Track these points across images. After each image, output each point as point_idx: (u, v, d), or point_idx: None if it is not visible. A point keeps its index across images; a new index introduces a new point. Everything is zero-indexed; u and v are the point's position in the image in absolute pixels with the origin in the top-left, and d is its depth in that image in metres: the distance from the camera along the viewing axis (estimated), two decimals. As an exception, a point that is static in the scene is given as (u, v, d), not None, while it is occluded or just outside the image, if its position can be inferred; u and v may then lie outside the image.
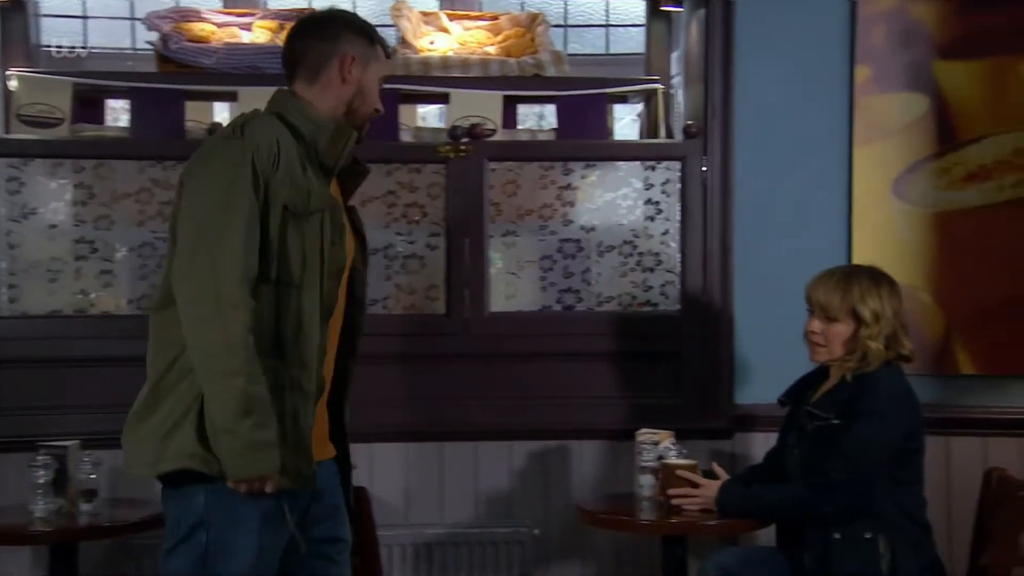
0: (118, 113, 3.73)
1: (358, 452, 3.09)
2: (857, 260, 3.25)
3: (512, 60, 3.62)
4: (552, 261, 3.44)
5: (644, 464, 2.91)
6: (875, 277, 2.72)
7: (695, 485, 2.77)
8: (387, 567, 3.19)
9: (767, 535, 3.12)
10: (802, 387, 2.86)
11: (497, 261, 3.42)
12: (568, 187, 3.46)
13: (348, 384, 2.26)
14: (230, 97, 3.53)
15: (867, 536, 2.59)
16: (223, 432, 1.95)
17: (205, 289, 1.96)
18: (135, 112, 3.46)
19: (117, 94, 3.58)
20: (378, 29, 2.29)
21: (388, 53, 2.30)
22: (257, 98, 3.34)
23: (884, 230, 3.36)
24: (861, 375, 2.67)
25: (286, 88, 2.23)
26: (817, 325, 2.73)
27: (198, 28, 3.59)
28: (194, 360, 1.98)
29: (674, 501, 2.76)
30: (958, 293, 3.35)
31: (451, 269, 3.38)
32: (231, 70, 3.50)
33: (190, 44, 3.52)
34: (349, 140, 2.17)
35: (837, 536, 2.60)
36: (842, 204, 3.39)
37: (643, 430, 2.96)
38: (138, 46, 3.85)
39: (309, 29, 2.24)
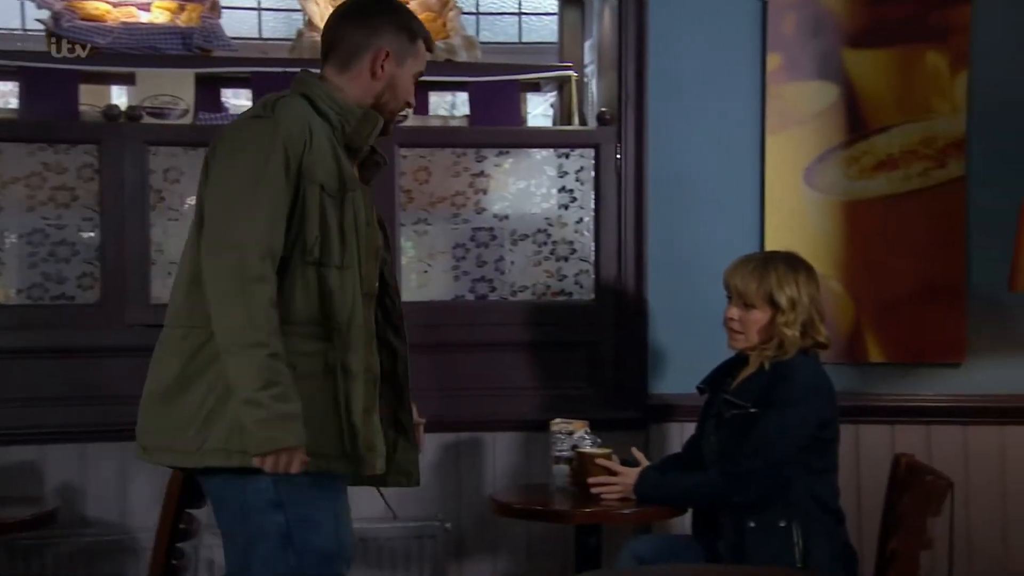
0: (7, 97, 3.59)
1: None
2: (769, 248, 3.27)
3: (423, 45, 3.56)
4: (465, 250, 3.41)
5: (558, 454, 2.91)
6: (792, 263, 2.74)
7: (613, 473, 2.76)
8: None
9: (682, 524, 3.16)
10: (720, 374, 2.87)
11: (409, 250, 3.39)
12: (481, 175, 3.44)
13: (399, 368, 2.28)
14: (127, 79, 3.42)
15: (781, 524, 2.61)
16: (245, 403, 1.96)
17: (228, 264, 1.97)
18: (25, 93, 3.32)
19: (6, 75, 3.44)
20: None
21: (431, 48, 2.29)
22: (155, 80, 3.32)
23: (796, 219, 3.40)
24: (778, 363, 2.69)
25: (313, 71, 2.21)
26: (735, 312, 2.74)
27: (92, 7, 3.47)
28: (217, 334, 1.99)
29: (593, 490, 2.75)
30: (868, 282, 3.40)
31: None
32: (128, 50, 3.39)
33: (83, 23, 3.40)
34: (376, 126, 2.18)
35: (752, 525, 2.62)
36: (755, 192, 3.42)
37: (557, 420, 2.95)
38: (28, 26, 3.71)
39: (349, 16, 2.23)
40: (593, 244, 3.44)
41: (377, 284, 2.22)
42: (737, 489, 2.62)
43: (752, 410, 2.66)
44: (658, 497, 2.73)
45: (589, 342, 3.43)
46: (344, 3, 2.29)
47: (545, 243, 3.45)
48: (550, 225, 3.44)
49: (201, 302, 2.03)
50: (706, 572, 2.07)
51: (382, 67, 2.19)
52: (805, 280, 2.72)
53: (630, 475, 2.75)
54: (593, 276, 3.44)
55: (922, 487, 2.61)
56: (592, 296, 3.44)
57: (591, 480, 2.76)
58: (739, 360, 2.85)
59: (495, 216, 3.43)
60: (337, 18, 2.26)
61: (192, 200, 3.30)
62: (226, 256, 1.98)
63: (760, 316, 2.71)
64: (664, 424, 3.40)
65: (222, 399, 2.03)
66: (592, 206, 3.44)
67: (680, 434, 3.34)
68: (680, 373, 3.37)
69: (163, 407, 2.10)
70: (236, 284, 1.96)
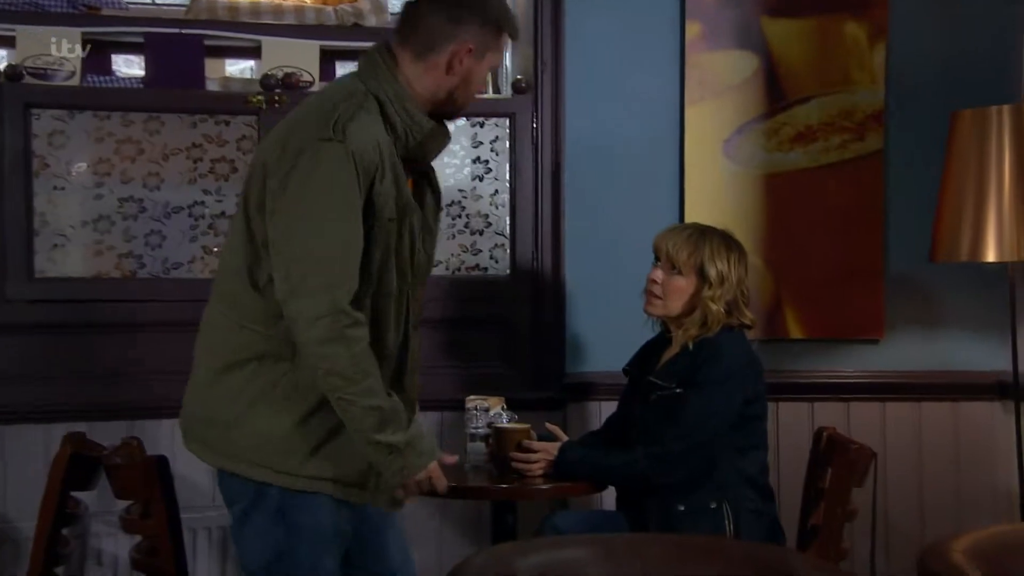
0: None
1: (162, 427, 2.89)
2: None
3: (329, 8, 3.45)
4: None
5: (473, 431, 2.84)
6: (727, 241, 2.71)
7: (531, 451, 2.69)
8: (190, 550, 2.99)
9: (601, 501, 3.12)
10: (645, 355, 2.82)
11: None
12: None
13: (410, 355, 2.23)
14: (7, 39, 3.22)
15: (712, 506, 2.58)
16: (369, 445, 2.02)
17: (320, 309, 1.95)
18: None
19: None
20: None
21: (515, 35, 2.22)
22: (37, 40, 3.11)
23: (715, 192, 3.37)
24: (703, 341, 2.65)
25: (386, 48, 2.12)
26: (659, 275, 2.70)
27: (-35, -40, 3.25)
28: (321, 380, 2.00)
29: (515, 466, 2.68)
30: (787, 257, 3.39)
31: None
32: (7, 7, 3.19)
33: (-46, -23, 3.19)
34: (443, 144, 2.16)
35: (681, 508, 2.57)
36: (674, 165, 3.38)
37: (472, 396, 2.89)
38: None
39: (438, 1, 2.13)
40: (508, 217, 3.37)
41: (421, 311, 2.21)
42: (663, 471, 2.57)
43: (678, 391, 2.61)
44: (580, 474, 2.66)
45: (504, 319, 3.36)
46: None
47: (459, 216, 3.37)
48: (464, 197, 3.36)
49: (253, 299, 2.05)
50: (641, 541, 2.00)
51: (460, 62, 2.12)
52: (737, 260, 2.69)
53: (550, 450, 2.68)
54: (509, 251, 3.37)
55: (846, 457, 2.61)
56: (507, 271, 3.38)
57: (513, 455, 2.69)
58: (663, 340, 2.80)
59: None
60: (411, 3, 2.16)
61: (82, 167, 3.14)
62: (318, 300, 1.96)
63: (684, 284, 2.66)
64: (582, 403, 3.35)
65: (254, 402, 2.05)
66: (507, 178, 3.37)
67: (599, 413, 3.30)
68: (599, 351, 3.34)
69: (203, 395, 2.13)
70: (334, 331, 1.96)
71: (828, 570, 1.87)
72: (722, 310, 2.65)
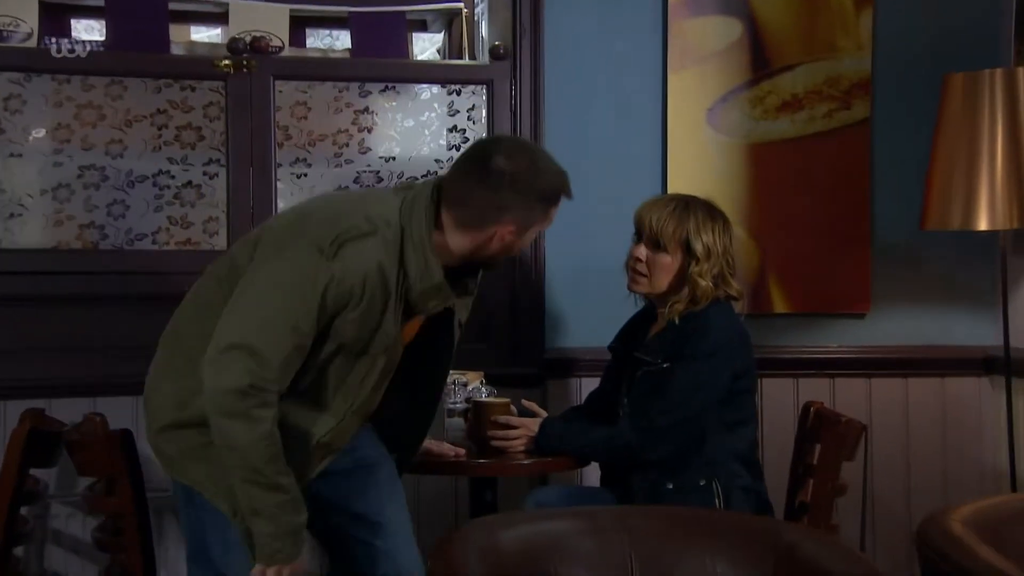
0: None
1: (125, 404, 2.81)
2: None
3: (300, -28, 3.38)
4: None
5: (452, 406, 2.79)
6: (711, 212, 2.64)
7: (511, 426, 2.63)
8: (156, 530, 2.88)
9: (581, 477, 3.06)
10: (630, 331, 2.76)
11: (286, 192, 3.19)
12: (366, 111, 3.27)
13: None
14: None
15: (701, 483, 2.52)
16: (252, 513, 2.03)
17: (233, 384, 1.96)
18: None
19: None
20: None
21: (568, 194, 2.21)
22: None
23: (699, 162, 3.32)
24: (690, 315, 2.59)
25: (437, 191, 2.13)
26: (643, 252, 2.63)
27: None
28: (220, 447, 2.01)
29: (495, 443, 2.62)
30: (772, 229, 3.35)
31: (233, 200, 3.14)
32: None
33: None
34: (446, 302, 2.14)
35: (670, 486, 2.52)
36: (656, 134, 3.33)
37: (450, 371, 2.80)
38: None
39: (477, 176, 2.11)
40: None
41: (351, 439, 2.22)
42: (650, 445, 2.52)
43: (665, 366, 2.56)
44: (562, 449, 2.61)
45: (481, 293, 3.21)
46: (475, 150, 2.17)
47: None
48: (440, 167, 3.29)
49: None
50: (628, 514, 1.95)
51: (502, 238, 2.14)
52: (722, 230, 2.63)
53: (530, 425, 2.63)
54: None
55: (836, 431, 2.57)
56: None
57: (491, 432, 2.63)
58: (648, 315, 2.74)
59: (381, 158, 3.27)
60: (463, 171, 2.14)
61: (40, 132, 3.05)
62: (233, 373, 1.97)
63: (670, 261, 2.60)
64: (563, 379, 3.30)
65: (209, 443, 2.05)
66: None
67: (579, 389, 3.26)
68: (579, 326, 3.29)
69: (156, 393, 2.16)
70: (240, 408, 1.97)
71: (822, 536, 1.82)
72: (710, 284, 2.59)
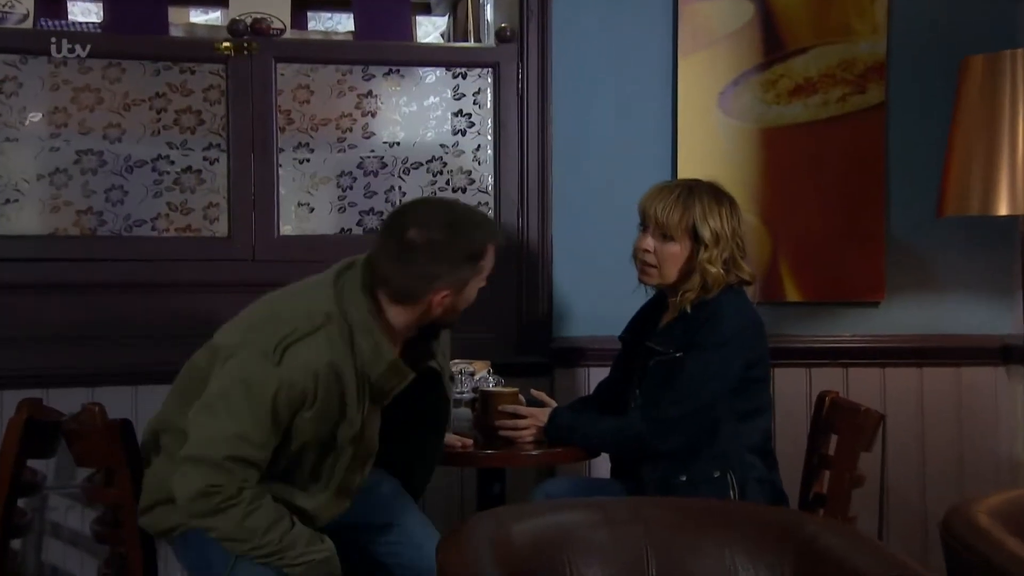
0: None
1: (124, 394, 2.77)
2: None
3: (302, -48, 3.33)
4: (352, 179, 3.21)
5: (459, 396, 2.74)
6: (717, 194, 2.58)
7: (519, 416, 2.58)
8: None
9: (588, 469, 3.01)
10: (641, 320, 2.71)
11: (288, 178, 3.15)
12: (369, 95, 3.22)
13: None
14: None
15: (715, 475, 2.48)
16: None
17: (197, 491, 2.05)
18: None
19: None
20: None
21: (501, 242, 2.22)
22: None
23: (709, 147, 3.27)
24: (702, 303, 2.54)
25: (369, 270, 2.14)
26: (650, 243, 2.57)
27: None
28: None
29: (503, 433, 2.57)
30: (785, 216, 3.31)
31: (234, 186, 3.10)
32: (-43, -56, 3.04)
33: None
34: (404, 380, 2.15)
35: (683, 479, 2.47)
36: (666, 119, 3.28)
37: (456, 360, 2.76)
38: None
39: (395, 252, 2.12)
40: (492, 174, 3.26)
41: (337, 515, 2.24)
42: (661, 436, 2.47)
43: (677, 355, 2.51)
44: (572, 439, 2.56)
45: (488, 281, 3.23)
46: (389, 224, 2.17)
47: (440, 172, 3.25)
48: (445, 153, 3.25)
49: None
50: (642, 504, 1.91)
51: (440, 303, 2.15)
52: (729, 212, 2.57)
53: (539, 415, 2.58)
54: (492, 209, 3.26)
55: (853, 421, 2.53)
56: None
57: (499, 422, 2.58)
58: (659, 304, 2.69)
59: (385, 142, 3.22)
60: (384, 249, 2.14)
61: (36, 116, 3.01)
62: (194, 478, 2.05)
63: (678, 250, 2.55)
64: (570, 369, 3.26)
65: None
66: (491, 132, 3.26)
67: (587, 379, 3.21)
68: (587, 314, 3.25)
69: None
70: (208, 508, 2.05)
71: (843, 528, 1.78)
72: (720, 271, 2.53)
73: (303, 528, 2.12)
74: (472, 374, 2.77)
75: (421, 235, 2.10)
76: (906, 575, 1.46)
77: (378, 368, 2.11)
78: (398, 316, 2.15)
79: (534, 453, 2.56)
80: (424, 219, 2.14)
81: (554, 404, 2.68)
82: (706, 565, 1.83)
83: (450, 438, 2.51)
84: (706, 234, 2.52)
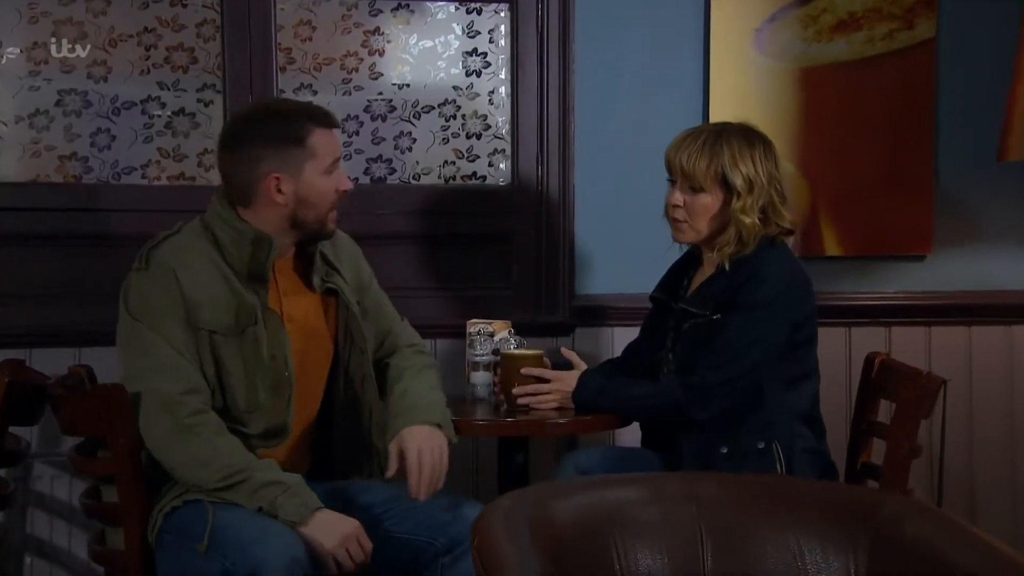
0: None
1: (112, 352, 2.73)
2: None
3: None
4: (358, 123, 3.08)
5: (477, 359, 2.61)
6: (748, 136, 2.42)
7: (543, 380, 2.42)
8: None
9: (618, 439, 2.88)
10: (673, 278, 2.56)
11: None
12: (376, 32, 3.08)
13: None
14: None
15: (760, 446, 2.33)
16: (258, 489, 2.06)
17: (155, 405, 2.10)
18: None
19: None
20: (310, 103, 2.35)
21: (332, 123, 2.23)
22: None
23: (744, 90, 3.13)
24: (741, 260, 2.38)
25: (224, 198, 2.22)
26: (679, 197, 2.42)
27: None
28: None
29: (521, 400, 2.42)
30: (825, 163, 3.18)
31: None
32: None
33: None
34: (270, 251, 2.17)
35: (724, 451, 2.33)
36: (697, 59, 3.14)
37: (475, 320, 2.66)
38: None
39: (223, 147, 2.23)
40: (509, 119, 3.13)
41: (289, 419, 2.20)
42: (700, 403, 2.32)
43: (715, 317, 2.36)
44: (602, 406, 2.41)
45: (505, 234, 3.14)
46: (221, 131, 2.30)
47: (453, 117, 3.12)
48: (459, 95, 3.12)
49: None
50: (696, 480, 1.74)
51: (279, 191, 2.16)
52: (763, 155, 2.41)
53: (566, 380, 2.43)
54: (510, 157, 3.14)
55: (916, 385, 2.37)
56: (508, 180, 3.15)
57: (516, 390, 2.44)
58: (694, 260, 2.53)
59: (393, 84, 3.09)
60: (217, 151, 2.27)
61: (13, 52, 2.87)
62: (149, 401, 2.10)
63: (710, 202, 2.39)
64: (594, 329, 3.13)
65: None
66: (508, 73, 3.12)
67: (611, 340, 3.10)
68: (612, 270, 3.15)
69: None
70: (173, 425, 2.08)
71: (932, 511, 1.61)
72: (756, 221, 2.37)
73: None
74: (491, 335, 2.62)
75: (239, 124, 2.23)
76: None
77: (242, 246, 2.16)
78: (254, 219, 2.18)
79: (561, 421, 2.42)
80: (244, 111, 2.31)
81: (584, 366, 2.52)
82: (767, 548, 1.67)
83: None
84: (738, 181, 2.36)
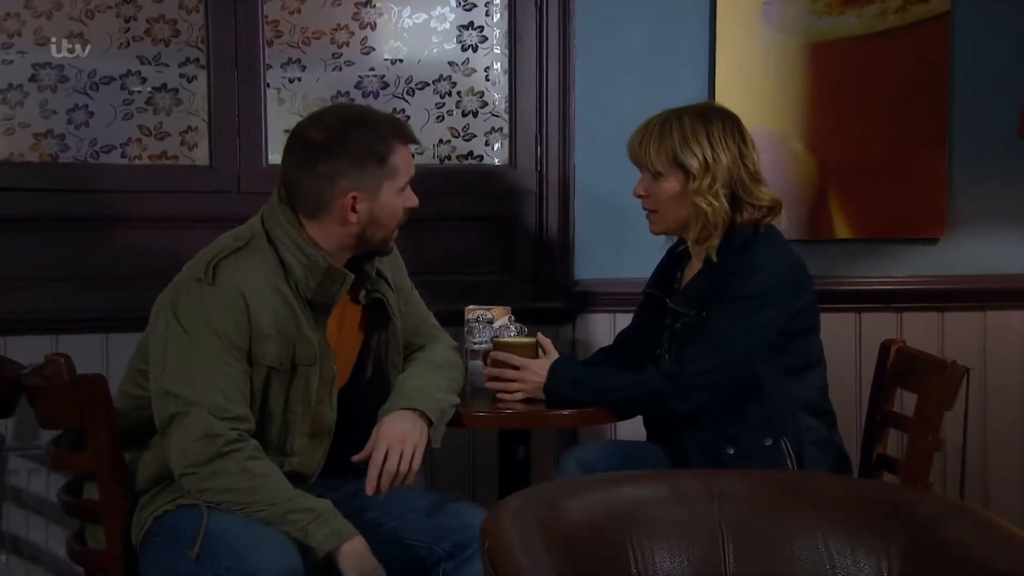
0: None
1: (92, 342, 2.70)
2: (720, 100, 2.94)
3: None
4: (349, 100, 3.01)
5: (476, 347, 2.51)
6: (704, 115, 2.33)
7: (511, 366, 2.33)
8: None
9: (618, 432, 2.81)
10: (664, 273, 2.48)
11: (276, 98, 2.97)
12: (368, 4, 3.01)
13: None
14: None
15: (767, 443, 2.25)
16: (288, 514, 2.00)
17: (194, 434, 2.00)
18: None
19: None
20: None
21: (412, 139, 2.15)
22: None
23: (751, 66, 3.07)
24: (731, 251, 2.28)
25: (286, 204, 2.11)
26: (641, 187, 2.37)
27: None
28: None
29: (488, 385, 2.34)
30: (835, 141, 3.12)
31: (215, 107, 2.93)
32: None
33: None
34: (343, 285, 2.10)
35: (731, 451, 2.25)
36: (703, 33, 3.08)
37: (473, 307, 2.56)
38: None
39: (297, 157, 2.10)
40: (507, 96, 3.07)
41: (317, 470, 2.15)
42: (680, 394, 2.23)
43: (703, 315, 2.28)
44: (575, 397, 2.29)
45: (502, 217, 3.09)
46: (291, 135, 2.14)
47: (448, 94, 3.06)
48: (454, 71, 3.06)
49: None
50: (716, 478, 1.65)
51: (354, 210, 2.08)
52: (721, 133, 2.30)
53: (533, 368, 2.31)
54: (508, 136, 3.09)
55: (935, 376, 2.30)
56: (506, 160, 3.10)
57: (486, 372, 2.36)
58: (685, 252, 2.43)
59: (386, 59, 3.02)
60: (286, 158, 2.13)
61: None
62: (189, 427, 2.00)
63: (670, 186, 2.32)
64: (594, 314, 3.08)
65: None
66: (506, 48, 3.07)
67: (612, 325, 3.03)
68: (613, 254, 3.09)
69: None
70: (209, 454, 1.99)
71: (967, 509, 1.52)
72: (720, 205, 2.27)
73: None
74: (491, 322, 2.52)
75: (319, 133, 2.08)
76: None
77: (313, 277, 2.07)
78: (318, 233, 2.09)
79: (565, 413, 2.32)
80: (323, 118, 2.14)
81: (556, 354, 2.40)
82: (793, 550, 1.58)
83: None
84: (692, 162, 2.28)
